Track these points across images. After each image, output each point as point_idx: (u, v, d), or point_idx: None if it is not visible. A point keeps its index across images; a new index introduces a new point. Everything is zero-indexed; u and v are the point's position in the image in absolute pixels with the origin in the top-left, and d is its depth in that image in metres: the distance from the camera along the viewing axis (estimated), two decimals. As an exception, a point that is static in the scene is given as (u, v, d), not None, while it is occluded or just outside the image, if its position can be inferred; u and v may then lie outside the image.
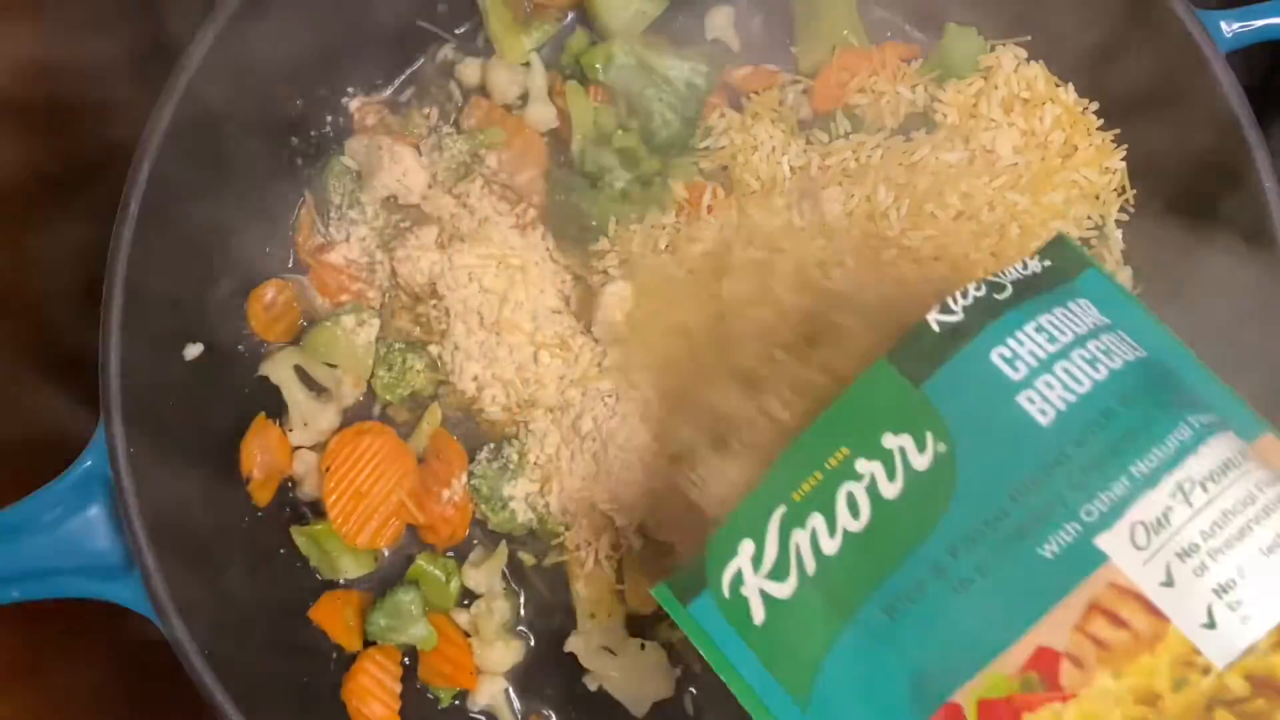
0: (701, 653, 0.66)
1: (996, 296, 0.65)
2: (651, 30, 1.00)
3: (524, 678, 0.93)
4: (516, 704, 0.93)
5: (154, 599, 0.79)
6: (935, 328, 0.65)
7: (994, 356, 0.62)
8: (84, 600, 0.80)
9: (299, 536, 0.93)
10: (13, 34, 0.96)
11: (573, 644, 0.91)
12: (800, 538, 0.64)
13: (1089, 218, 0.94)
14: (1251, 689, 0.55)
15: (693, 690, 0.92)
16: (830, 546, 0.64)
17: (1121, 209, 0.95)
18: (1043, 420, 0.61)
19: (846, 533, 0.63)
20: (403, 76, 1.02)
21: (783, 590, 0.64)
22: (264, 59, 0.89)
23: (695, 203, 0.94)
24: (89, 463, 0.81)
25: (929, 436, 0.62)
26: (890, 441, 0.63)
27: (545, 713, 0.93)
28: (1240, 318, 0.80)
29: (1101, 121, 0.94)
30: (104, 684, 0.96)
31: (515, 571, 0.94)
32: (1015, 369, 0.62)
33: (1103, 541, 0.58)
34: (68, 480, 0.80)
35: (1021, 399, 0.61)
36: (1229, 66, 0.85)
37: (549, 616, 0.93)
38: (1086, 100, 0.95)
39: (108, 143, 0.88)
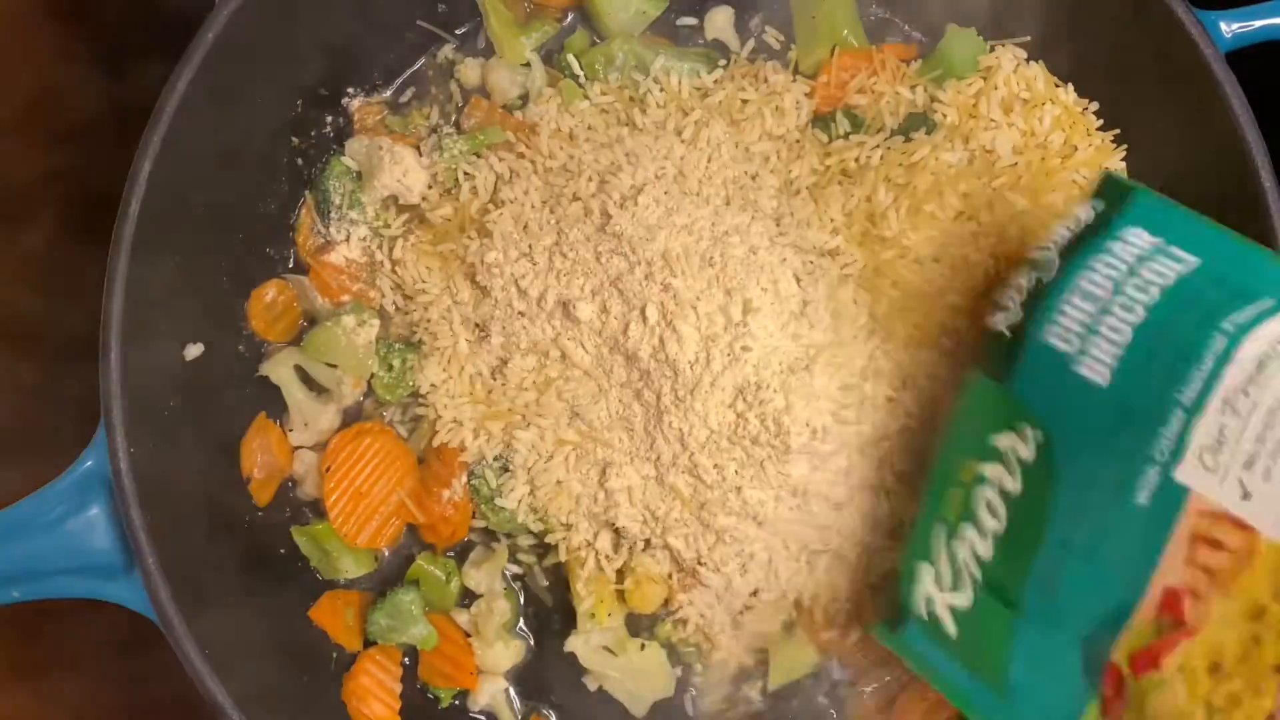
0: (916, 671, 0.73)
1: (1042, 278, 0.69)
2: (651, 30, 1.01)
3: (524, 678, 0.93)
4: (516, 704, 0.93)
5: (154, 599, 0.79)
6: (999, 328, 0.70)
7: (1050, 337, 0.67)
8: (84, 600, 0.80)
9: (299, 536, 0.93)
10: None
11: (573, 644, 0.91)
12: (962, 550, 0.70)
13: (1089, 218, 0.94)
14: None
15: (693, 690, 0.92)
16: (985, 551, 0.69)
17: (1121, 209, 0.95)
18: (1101, 381, 0.65)
19: (994, 534, 0.69)
20: (403, 76, 1.02)
21: (963, 601, 0.70)
22: (265, 58, 0.89)
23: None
24: (89, 463, 0.81)
25: (1027, 429, 0.67)
26: (1000, 442, 0.69)
27: (545, 713, 0.93)
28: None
29: (1101, 121, 0.94)
30: (103, 684, 0.96)
31: (515, 571, 0.94)
32: (1069, 343, 0.66)
33: (1180, 475, 0.61)
34: (68, 480, 0.80)
35: (1081, 369, 0.65)
36: (1229, 66, 0.85)
37: (549, 616, 0.93)
38: (1086, 100, 0.95)
39: (107, 143, 0.88)
